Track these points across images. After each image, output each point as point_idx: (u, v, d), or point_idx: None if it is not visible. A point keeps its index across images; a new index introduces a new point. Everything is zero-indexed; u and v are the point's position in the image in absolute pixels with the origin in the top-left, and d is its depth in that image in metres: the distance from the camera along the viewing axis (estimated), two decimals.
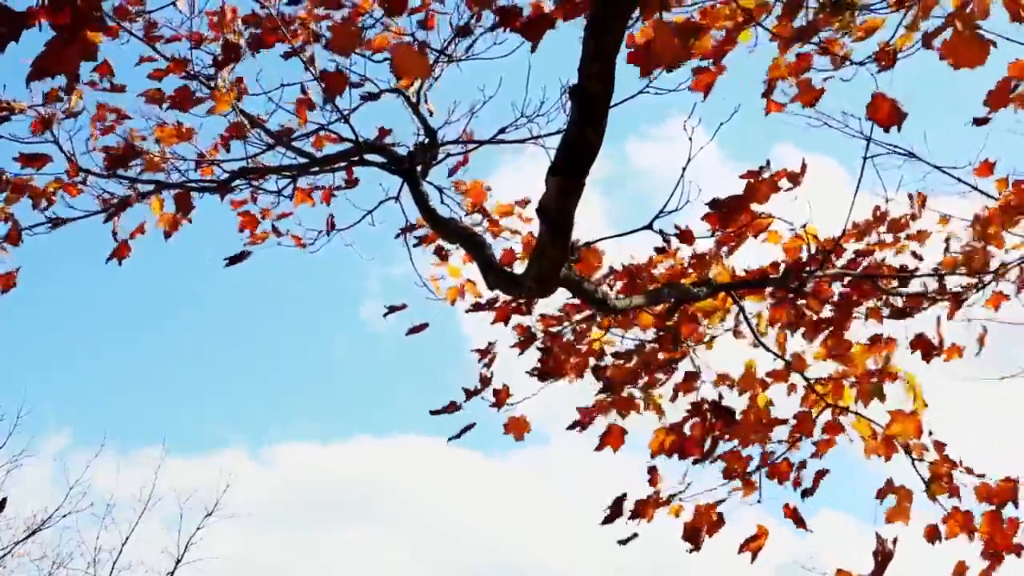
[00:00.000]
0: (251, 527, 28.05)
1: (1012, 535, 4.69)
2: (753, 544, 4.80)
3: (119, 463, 27.16)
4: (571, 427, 5.19)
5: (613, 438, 5.12)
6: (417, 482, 27.30)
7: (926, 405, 4.86)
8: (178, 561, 17.61)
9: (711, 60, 4.05)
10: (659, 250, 4.73)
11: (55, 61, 3.03)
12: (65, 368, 26.48)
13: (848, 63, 3.99)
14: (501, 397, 5.23)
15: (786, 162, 4.55)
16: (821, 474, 4.98)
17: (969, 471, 4.82)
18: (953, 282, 5.07)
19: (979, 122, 4.12)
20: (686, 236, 4.63)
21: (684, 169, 3.93)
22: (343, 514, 26.03)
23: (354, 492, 27.66)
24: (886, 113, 3.72)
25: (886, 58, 4.01)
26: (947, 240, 5.14)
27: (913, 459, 4.86)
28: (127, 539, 17.58)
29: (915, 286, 5.07)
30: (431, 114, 5.32)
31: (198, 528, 17.99)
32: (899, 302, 5.07)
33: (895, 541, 4.49)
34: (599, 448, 5.11)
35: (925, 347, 5.05)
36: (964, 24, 3.06)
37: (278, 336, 30.20)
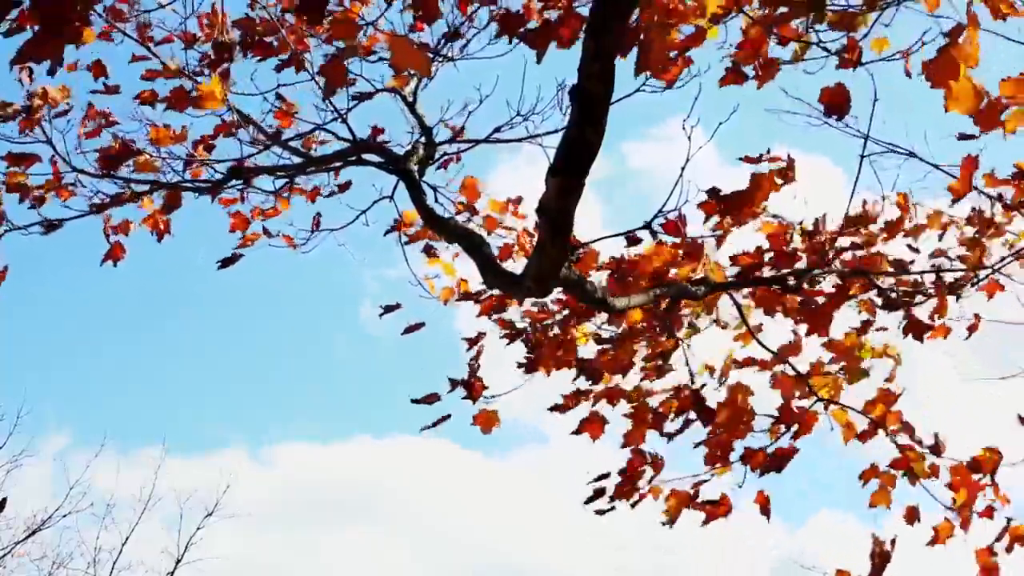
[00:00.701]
0: (251, 527, 28.15)
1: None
2: (714, 508, 4.79)
3: (119, 463, 27.21)
4: (552, 409, 5.13)
5: (592, 426, 5.07)
6: (417, 482, 27.32)
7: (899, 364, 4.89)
8: (178, 561, 17.64)
9: (677, 53, 4.05)
10: (656, 239, 4.67)
11: (39, 48, 3.01)
12: (65, 368, 26.48)
13: (817, 45, 4.00)
14: (476, 390, 5.18)
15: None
16: (789, 451, 4.87)
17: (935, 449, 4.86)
18: (948, 277, 5.08)
19: (964, 137, 4.10)
20: (673, 227, 4.57)
21: (683, 169, 3.92)
22: (343, 514, 26.07)
23: (354, 492, 27.68)
24: (834, 99, 3.79)
25: (852, 51, 4.02)
26: (942, 234, 5.14)
27: (896, 442, 4.87)
28: (127, 539, 17.64)
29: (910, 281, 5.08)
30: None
31: (198, 528, 18.05)
32: (893, 295, 5.07)
33: (893, 542, 4.49)
34: (577, 432, 5.06)
35: (918, 328, 5.04)
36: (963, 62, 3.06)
37: (278, 336, 30.20)
